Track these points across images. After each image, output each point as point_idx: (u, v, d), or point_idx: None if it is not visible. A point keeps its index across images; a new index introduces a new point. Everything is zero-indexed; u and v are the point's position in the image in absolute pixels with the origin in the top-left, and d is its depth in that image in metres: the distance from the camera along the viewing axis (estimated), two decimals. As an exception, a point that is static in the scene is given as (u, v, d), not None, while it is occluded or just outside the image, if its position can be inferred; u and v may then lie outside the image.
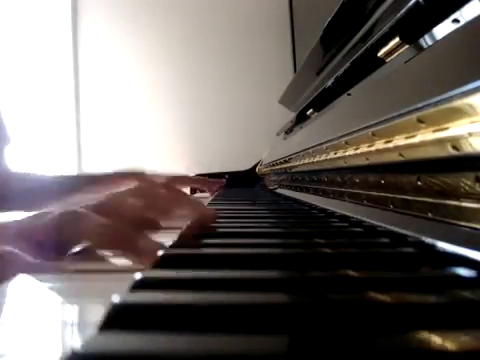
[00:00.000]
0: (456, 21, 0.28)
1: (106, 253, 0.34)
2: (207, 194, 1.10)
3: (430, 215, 0.28)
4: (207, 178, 0.81)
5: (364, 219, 0.39)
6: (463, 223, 0.24)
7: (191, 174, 1.31)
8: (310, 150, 0.62)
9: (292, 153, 0.77)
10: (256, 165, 1.48)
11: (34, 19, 1.94)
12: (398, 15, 0.37)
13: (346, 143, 0.44)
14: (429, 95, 0.26)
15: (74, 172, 2.00)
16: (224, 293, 0.19)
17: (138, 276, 0.20)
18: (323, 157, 0.54)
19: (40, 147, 1.89)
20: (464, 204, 0.24)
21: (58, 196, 0.68)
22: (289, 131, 1.05)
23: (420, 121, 0.27)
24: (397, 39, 0.37)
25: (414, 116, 0.28)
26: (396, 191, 0.34)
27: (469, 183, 0.24)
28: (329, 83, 0.63)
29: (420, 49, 0.34)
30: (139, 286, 0.19)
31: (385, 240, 0.32)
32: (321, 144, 0.55)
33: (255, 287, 0.20)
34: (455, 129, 0.23)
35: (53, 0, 2.00)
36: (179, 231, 0.38)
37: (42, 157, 1.88)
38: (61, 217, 0.36)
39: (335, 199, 0.53)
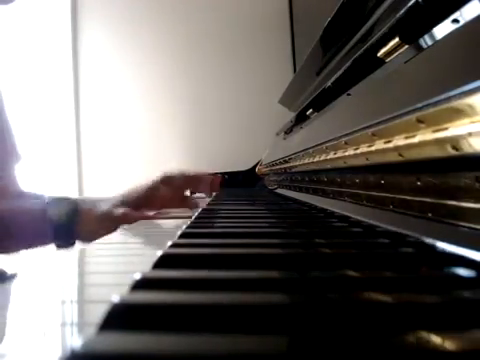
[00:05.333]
0: (456, 21, 0.28)
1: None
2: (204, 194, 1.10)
3: (430, 215, 0.28)
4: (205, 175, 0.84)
5: (364, 219, 0.39)
6: (463, 223, 0.24)
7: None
8: (310, 150, 0.62)
9: (292, 153, 0.77)
10: (256, 165, 1.48)
11: (34, 24, 1.94)
12: (398, 15, 0.37)
13: (346, 143, 0.44)
14: (429, 95, 0.26)
15: (74, 176, 2.01)
16: (224, 293, 0.19)
17: (138, 276, 0.20)
18: (323, 157, 0.54)
19: (39, 150, 1.89)
20: (464, 204, 0.24)
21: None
22: (289, 131, 1.05)
23: (420, 121, 0.27)
24: (397, 39, 0.37)
25: (414, 116, 0.28)
26: (396, 191, 0.34)
27: (469, 183, 0.24)
28: (329, 83, 0.63)
29: (420, 49, 0.34)
30: (139, 286, 0.19)
31: (385, 240, 0.32)
32: (321, 144, 0.55)
33: (255, 287, 0.20)
34: (455, 129, 0.23)
35: (52, 5, 2.00)
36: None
37: (41, 160, 1.88)
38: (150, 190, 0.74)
39: (335, 199, 0.53)
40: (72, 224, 0.70)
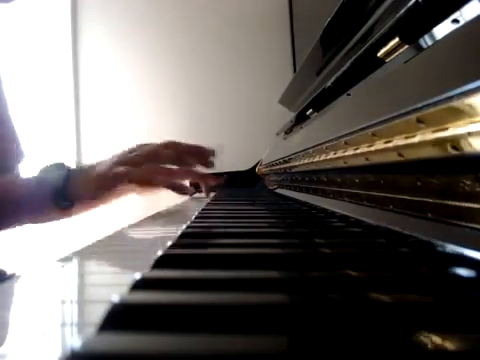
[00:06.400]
0: (456, 21, 0.28)
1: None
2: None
3: (430, 215, 0.28)
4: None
5: (364, 219, 0.39)
6: (463, 223, 0.24)
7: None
8: (310, 150, 0.62)
9: (292, 153, 0.77)
10: (256, 165, 1.48)
11: (34, 23, 1.94)
12: (398, 15, 0.37)
13: (346, 143, 0.44)
14: (429, 95, 0.26)
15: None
16: (224, 293, 0.19)
17: (138, 276, 0.20)
18: (323, 157, 0.54)
19: (40, 149, 1.89)
20: (464, 204, 0.24)
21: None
22: (289, 131, 1.05)
23: (420, 121, 0.27)
24: (397, 39, 0.37)
25: (414, 116, 0.28)
26: (396, 191, 0.34)
27: (469, 183, 0.24)
28: (329, 83, 0.63)
29: (420, 49, 0.34)
30: (139, 286, 0.19)
31: (385, 240, 0.32)
32: (321, 144, 0.55)
33: (255, 287, 0.20)
34: (455, 129, 0.23)
35: (52, 4, 2.00)
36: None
37: (41, 159, 1.87)
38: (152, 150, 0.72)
39: (335, 199, 0.53)
40: (68, 187, 0.70)
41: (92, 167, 0.75)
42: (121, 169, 0.70)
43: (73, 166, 0.75)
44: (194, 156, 0.80)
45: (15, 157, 0.89)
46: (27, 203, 0.71)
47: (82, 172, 0.73)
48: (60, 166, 0.74)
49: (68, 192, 0.70)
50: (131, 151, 0.76)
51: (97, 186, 0.71)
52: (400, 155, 0.31)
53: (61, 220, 0.77)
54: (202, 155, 0.80)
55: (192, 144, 0.81)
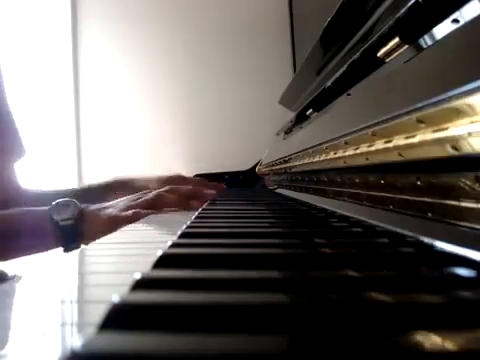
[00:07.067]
0: (456, 21, 0.28)
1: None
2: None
3: (430, 215, 0.28)
4: (205, 181, 0.88)
5: (364, 219, 0.39)
6: (463, 223, 0.24)
7: (190, 174, 1.30)
8: (310, 150, 0.62)
9: (292, 153, 0.77)
10: (256, 165, 1.48)
11: (34, 22, 1.94)
12: (398, 15, 0.37)
13: (346, 143, 0.44)
14: (429, 95, 0.26)
15: (74, 175, 2.01)
16: (224, 293, 0.19)
17: (138, 276, 0.20)
18: (323, 157, 0.54)
19: (40, 147, 1.89)
20: (464, 204, 0.24)
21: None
22: (289, 131, 1.05)
23: (420, 121, 0.27)
24: (397, 39, 0.37)
25: (414, 116, 0.28)
26: (396, 191, 0.34)
27: (469, 183, 0.24)
28: (329, 83, 0.63)
29: (420, 49, 0.34)
30: (139, 286, 0.19)
31: (385, 240, 0.32)
32: (321, 144, 0.55)
33: (255, 287, 0.20)
34: (455, 129, 0.23)
35: (53, 4, 2.00)
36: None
37: (41, 158, 1.88)
38: (156, 195, 0.77)
39: (335, 199, 0.53)
40: (78, 228, 0.73)
41: (100, 210, 0.77)
42: (128, 213, 0.73)
43: (81, 206, 0.76)
44: (194, 199, 0.85)
45: (16, 153, 0.90)
46: (33, 243, 0.73)
47: (91, 214, 0.75)
48: (70, 206, 0.74)
49: (77, 235, 0.73)
50: (137, 198, 0.80)
51: (104, 229, 0.74)
52: (400, 155, 0.31)
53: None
54: (202, 197, 0.85)
55: (192, 187, 0.86)
